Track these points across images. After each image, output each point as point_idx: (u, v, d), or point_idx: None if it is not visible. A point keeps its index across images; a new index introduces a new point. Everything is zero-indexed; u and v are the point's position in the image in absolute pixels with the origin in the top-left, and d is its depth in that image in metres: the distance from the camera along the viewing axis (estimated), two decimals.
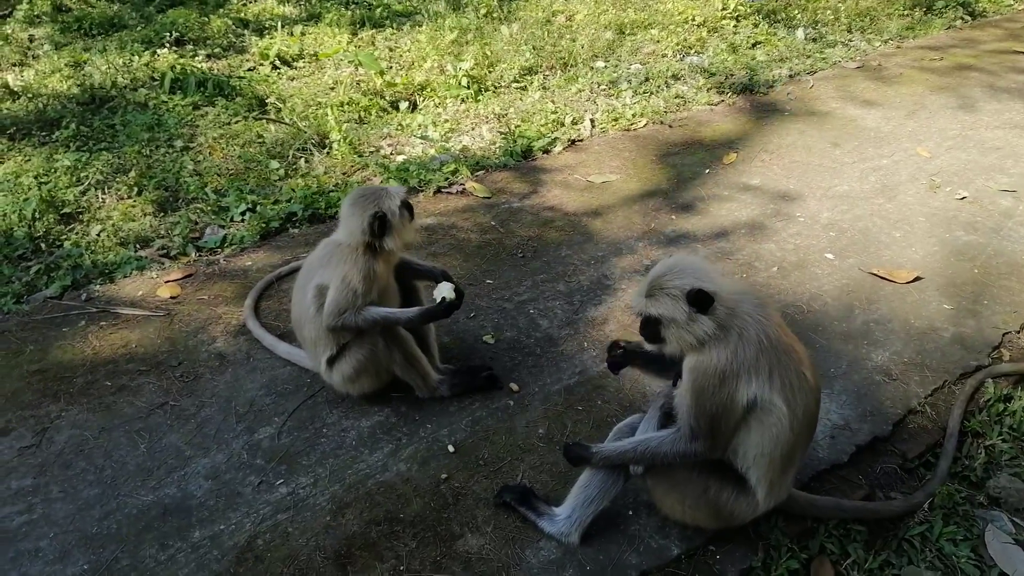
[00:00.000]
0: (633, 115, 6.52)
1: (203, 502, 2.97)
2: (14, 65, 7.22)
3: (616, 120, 6.46)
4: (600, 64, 7.58)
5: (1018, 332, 3.96)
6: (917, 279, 4.32)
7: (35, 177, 5.21)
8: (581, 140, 6.17)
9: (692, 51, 8.01)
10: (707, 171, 5.61)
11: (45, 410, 3.40)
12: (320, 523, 2.89)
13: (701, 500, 2.69)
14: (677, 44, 8.06)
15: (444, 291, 3.24)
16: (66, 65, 7.07)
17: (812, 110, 6.67)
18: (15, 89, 6.56)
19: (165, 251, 4.71)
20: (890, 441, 3.33)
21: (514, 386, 3.55)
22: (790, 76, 7.47)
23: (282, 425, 3.34)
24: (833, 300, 4.17)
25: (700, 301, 2.46)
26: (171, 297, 4.16)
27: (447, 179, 5.46)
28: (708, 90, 7.04)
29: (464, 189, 5.37)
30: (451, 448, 3.22)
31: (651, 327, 2.57)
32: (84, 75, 6.87)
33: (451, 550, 2.80)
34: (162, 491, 3.02)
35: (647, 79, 7.15)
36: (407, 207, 3.27)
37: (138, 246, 4.75)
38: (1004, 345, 3.88)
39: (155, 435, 3.28)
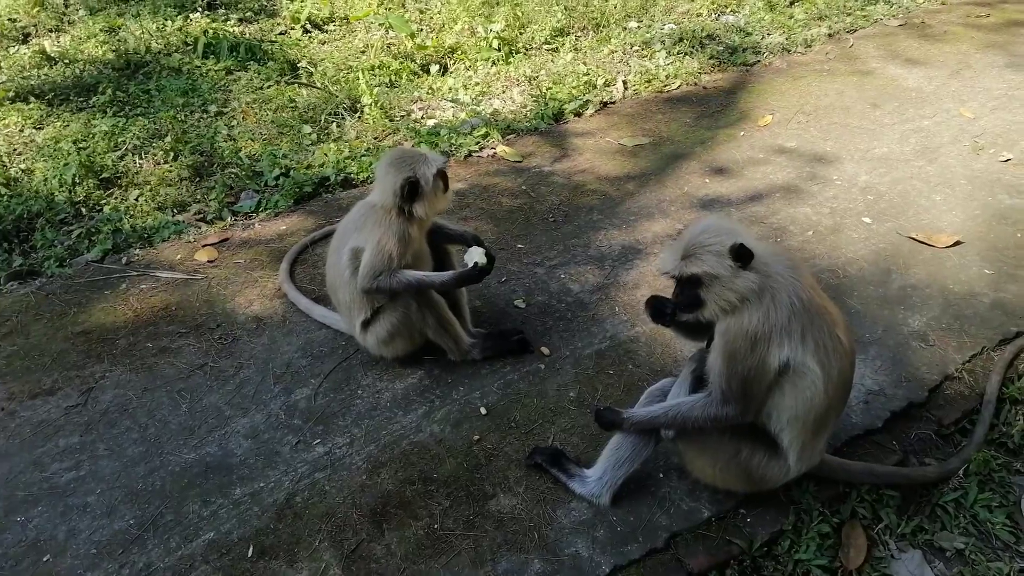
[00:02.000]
0: (667, 76, 6.40)
1: (243, 460, 3.06)
2: (50, 31, 7.30)
3: (649, 82, 6.35)
4: (633, 24, 7.44)
5: None
6: (957, 243, 4.23)
7: (74, 142, 5.30)
8: (613, 102, 6.08)
9: (728, 10, 7.81)
10: (742, 133, 5.51)
11: (90, 371, 3.51)
12: (356, 482, 2.96)
13: (732, 463, 2.70)
14: (712, 2, 7.86)
15: (476, 256, 3.25)
16: (101, 31, 7.12)
17: (852, 70, 6.49)
18: (52, 55, 6.64)
19: (202, 215, 4.78)
20: (926, 407, 3.30)
21: (545, 350, 3.57)
22: (829, 35, 7.26)
23: (318, 386, 3.40)
24: (869, 264, 4.10)
25: (742, 256, 2.45)
26: (208, 261, 4.24)
27: (478, 143, 5.44)
28: (744, 50, 6.88)
29: (495, 153, 5.35)
30: (483, 410, 3.26)
31: (690, 289, 2.54)
32: (119, 40, 6.92)
33: (483, 509, 2.85)
34: (204, 449, 3.11)
35: (681, 39, 7.00)
36: (442, 176, 3.27)
37: (175, 211, 4.83)
38: None
39: (196, 395, 3.37)
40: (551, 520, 2.81)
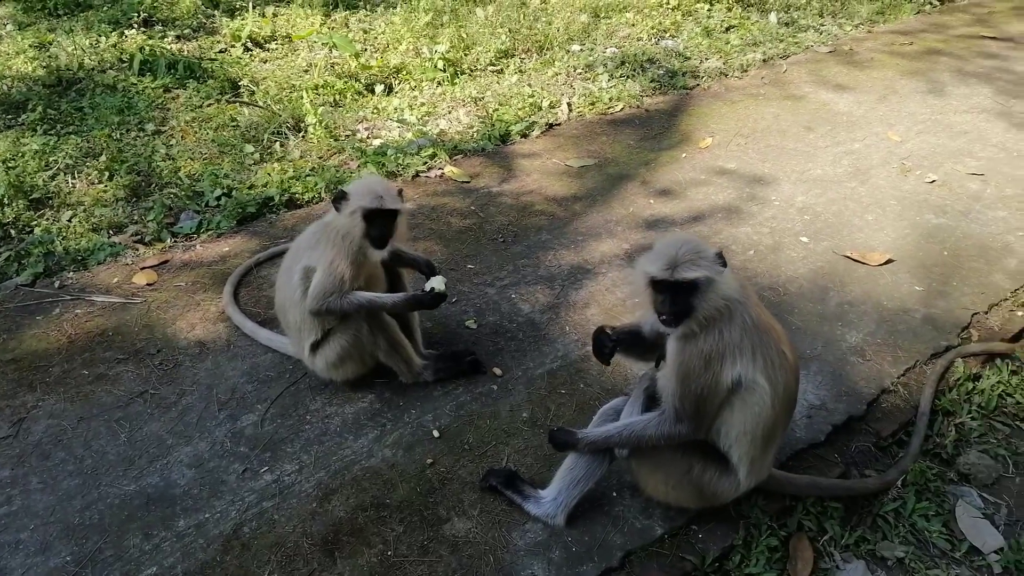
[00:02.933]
0: (610, 99, 6.52)
1: (187, 491, 2.95)
2: None
3: (593, 104, 6.47)
4: (576, 47, 7.57)
5: (986, 312, 4.06)
6: (889, 261, 4.41)
7: (2, 162, 5.09)
8: (559, 124, 6.17)
9: (667, 35, 8.03)
10: (684, 155, 5.65)
11: (21, 400, 3.34)
12: (306, 510, 2.89)
13: (684, 480, 2.74)
14: (652, 28, 8.07)
15: (435, 283, 3.25)
16: (30, 46, 6.87)
17: (786, 94, 6.74)
18: None
19: (139, 237, 4.64)
20: (864, 420, 3.41)
21: (497, 371, 3.57)
22: (763, 60, 7.53)
23: (265, 412, 3.32)
24: (808, 283, 4.24)
25: (724, 262, 2.55)
26: (147, 284, 4.11)
27: (425, 163, 5.43)
28: (683, 74, 7.07)
29: (443, 174, 5.35)
30: (436, 433, 3.23)
31: (685, 297, 2.49)
32: (50, 56, 6.69)
33: (438, 534, 2.82)
34: (144, 480, 2.99)
35: (623, 63, 7.16)
36: (366, 216, 3.12)
37: (111, 232, 4.67)
38: (973, 325, 3.98)
39: (135, 424, 3.25)
40: (506, 543, 2.79)
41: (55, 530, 2.79)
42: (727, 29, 8.22)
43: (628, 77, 6.94)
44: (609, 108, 6.43)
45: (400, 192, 3.25)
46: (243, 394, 3.41)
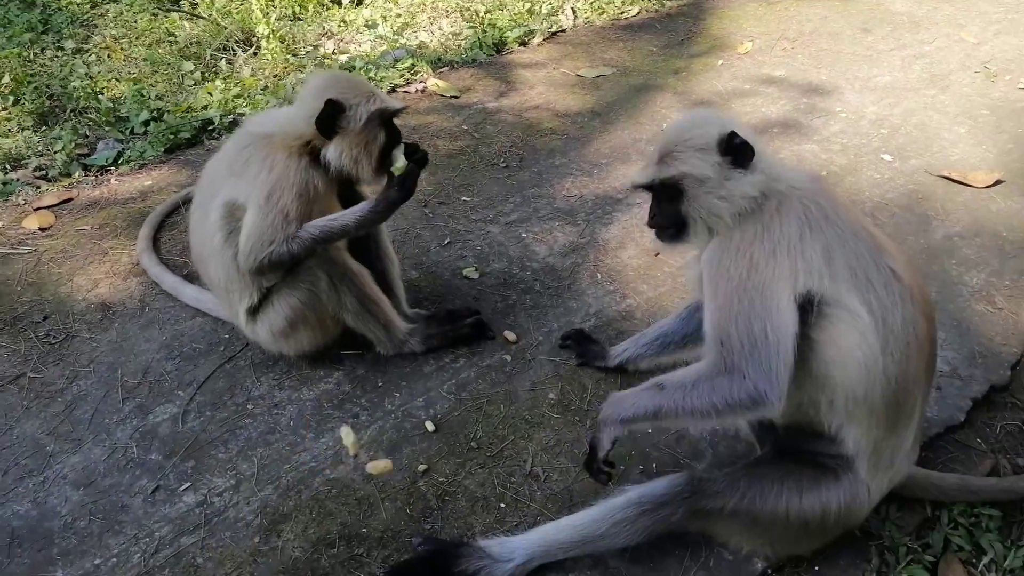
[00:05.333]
0: (622, 2, 5.47)
1: (70, 523, 2.06)
2: None
3: (603, 10, 5.42)
4: None
5: None
6: (998, 182, 3.49)
7: None
8: (564, 31, 5.13)
9: None
10: (720, 62, 4.65)
11: None
12: (245, 548, 1.99)
13: (785, 526, 1.88)
14: None
15: (395, 161, 2.29)
16: None
17: None
18: None
19: (43, 172, 3.70)
20: (1009, 390, 2.53)
21: (510, 335, 2.65)
22: None
23: (189, 401, 2.39)
24: (902, 209, 3.32)
25: (736, 149, 1.78)
26: (40, 229, 3.15)
27: (403, 76, 4.43)
28: None
29: (425, 88, 4.34)
30: (430, 426, 2.33)
31: (669, 205, 1.86)
32: None
33: None
34: (10, 507, 2.10)
35: None
36: (384, 122, 2.29)
37: (8, 167, 3.71)
38: None
39: (4, 424, 2.31)
40: None
41: None
42: None
43: None
44: (622, 12, 5.39)
45: None
46: (159, 376, 2.47)
